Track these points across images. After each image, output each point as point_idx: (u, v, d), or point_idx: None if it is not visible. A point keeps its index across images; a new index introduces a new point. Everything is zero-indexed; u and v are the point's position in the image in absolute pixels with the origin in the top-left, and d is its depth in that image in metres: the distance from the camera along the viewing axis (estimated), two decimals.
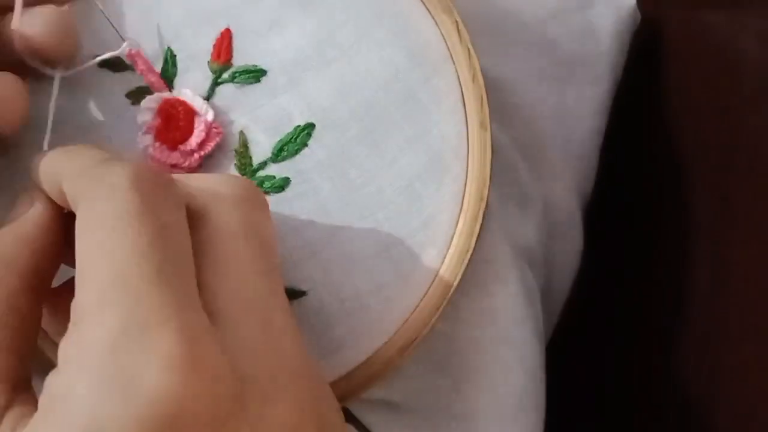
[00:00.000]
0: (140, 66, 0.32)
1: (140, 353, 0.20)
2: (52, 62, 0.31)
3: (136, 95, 0.33)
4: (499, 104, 0.35)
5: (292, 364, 0.23)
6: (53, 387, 0.21)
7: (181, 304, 0.21)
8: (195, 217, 0.25)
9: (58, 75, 0.31)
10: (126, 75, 0.33)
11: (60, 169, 0.26)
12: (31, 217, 0.26)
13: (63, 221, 0.27)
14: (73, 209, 0.24)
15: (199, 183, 0.26)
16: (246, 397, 0.21)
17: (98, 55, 0.32)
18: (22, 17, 0.29)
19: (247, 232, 0.25)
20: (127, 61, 0.33)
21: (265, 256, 0.25)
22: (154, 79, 0.32)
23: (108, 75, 0.33)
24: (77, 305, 0.22)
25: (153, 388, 0.20)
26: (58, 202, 0.26)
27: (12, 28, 0.29)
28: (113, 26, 0.32)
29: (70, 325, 0.22)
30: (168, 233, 0.23)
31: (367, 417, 0.35)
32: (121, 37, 0.32)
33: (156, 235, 0.22)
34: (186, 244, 0.23)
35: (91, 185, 0.24)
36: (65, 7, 0.31)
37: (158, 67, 0.33)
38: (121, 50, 0.32)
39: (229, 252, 0.24)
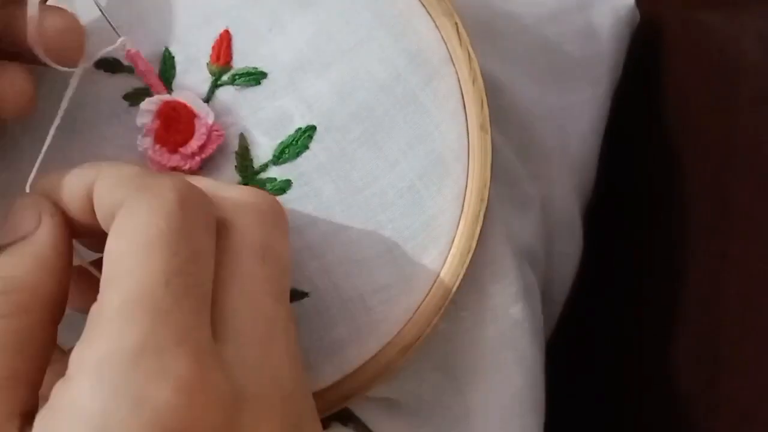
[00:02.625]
0: (140, 67, 0.32)
1: (155, 373, 0.21)
2: (62, 62, 0.30)
3: (134, 97, 0.33)
4: (499, 105, 0.35)
5: (285, 387, 0.24)
6: (64, 395, 0.22)
7: (195, 328, 0.22)
8: (219, 226, 0.25)
9: (79, 68, 0.31)
10: (123, 77, 0.33)
11: (94, 176, 0.26)
12: (47, 237, 0.26)
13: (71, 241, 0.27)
14: (103, 217, 0.25)
15: (226, 193, 0.27)
16: (242, 415, 0.23)
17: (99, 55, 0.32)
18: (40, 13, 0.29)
19: (265, 253, 0.25)
20: (125, 62, 0.32)
21: (278, 278, 0.26)
22: (153, 81, 0.32)
23: (104, 76, 0.33)
24: (100, 311, 0.22)
25: (163, 407, 0.21)
26: (75, 214, 0.26)
27: (29, 17, 0.29)
28: (110, 23, 0.31)
29: (87, 330, 0.22)
30: (198, 259, 0.23)
31: (367, 415, 0.36)
32: (117, 33, 0.31)
33: (188, 260, 0.23)
34: (210, 269, 0.24)
35: (138, 192, 0.24)
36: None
37: (156, 69, 0.33)
38: (117, 45, 0.31)
39: (245, 270, 0.25)
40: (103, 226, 0.25)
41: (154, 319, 0.22)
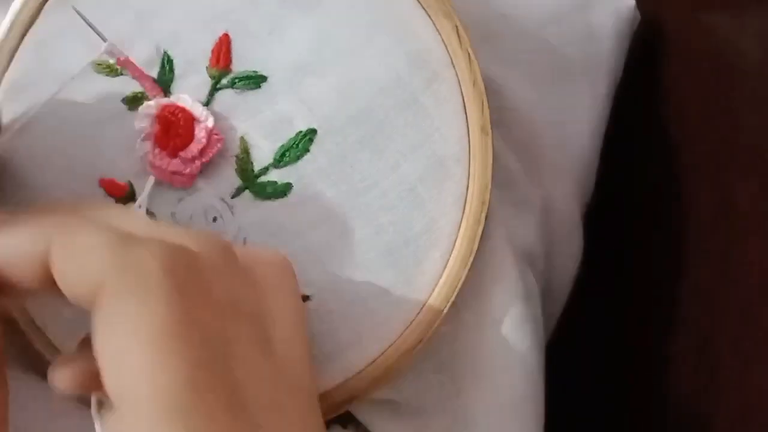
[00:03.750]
0: (133, 71, 0.32)
1: None
2: None
3: (132, 101, 0.33)
4: (499, 107, 0.35)
5: None
6: None
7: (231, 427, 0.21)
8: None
9: None
10: (122, 80, 0.33)
11: (48, 240, 0.22)
12: None
13: None
14: (73, 294, 0.22)
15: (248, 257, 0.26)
16: None
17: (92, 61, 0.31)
18: None
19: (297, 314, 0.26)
20: (120, 69, 0.32)
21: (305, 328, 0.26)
22: (148, 84, 0.32)
23: (103, 80, 0.33)
24: None
25: None
26: (21, 283, 0.22)
27: None
28: (95, 29, 0.31)
29: None
30: (211, 344, 0.21)
31: (368, 417, 0.36)
32: (102, 38, 0.31)
33: (200, 354, 0.21)
34: (225, 346, 0.22)
35: (120, 272, 0.21)
36: None
37: (155, 72, 0.33)
38: (103, 51, 0.31)
39: (285, 336, 0.25)
40: (71, 298, 0.22)
41: None
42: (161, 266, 0.21)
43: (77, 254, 0.21)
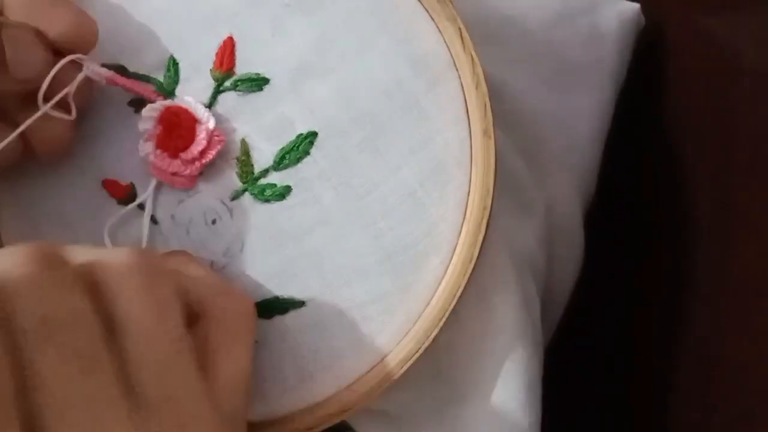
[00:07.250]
0: (123, 85, 0.32)
1: None
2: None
3: (139, 103, 0.33)
4: (502, 110, 0.34)
5: None
6: None
7: None
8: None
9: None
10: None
11: None
12: None
13: None
14: None
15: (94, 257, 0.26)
16: None
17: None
18: None
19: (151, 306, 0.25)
20: (131, 69, 0.32)
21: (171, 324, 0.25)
22: (144, 91, 0.32)
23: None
24: None
25: None
26: None
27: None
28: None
29: None
30: None
31: (363, 427, 0.35)
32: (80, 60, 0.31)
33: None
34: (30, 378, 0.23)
35: None
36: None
37: (160, 75, 0.33)
38: (83, 73, 0.30)
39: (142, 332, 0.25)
40: None
41: None
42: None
43: None
